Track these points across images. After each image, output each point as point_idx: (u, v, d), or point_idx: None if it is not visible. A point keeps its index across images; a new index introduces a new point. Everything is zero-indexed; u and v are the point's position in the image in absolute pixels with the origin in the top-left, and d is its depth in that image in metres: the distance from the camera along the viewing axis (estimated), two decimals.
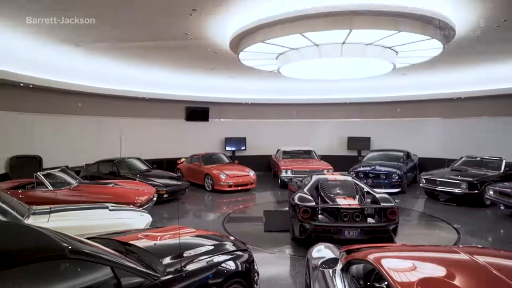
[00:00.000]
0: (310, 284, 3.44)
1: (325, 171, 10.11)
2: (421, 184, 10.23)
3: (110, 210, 5.56)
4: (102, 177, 9.84)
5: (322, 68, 8.70)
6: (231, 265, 3.38)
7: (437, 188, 9.71)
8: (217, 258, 3.38)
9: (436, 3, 5.75)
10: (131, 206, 6.41)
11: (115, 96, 12.81)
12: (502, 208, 8.07)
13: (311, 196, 6.23)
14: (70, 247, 2.35)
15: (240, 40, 7.28)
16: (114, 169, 10.08)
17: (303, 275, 4.45)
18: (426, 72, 10.95)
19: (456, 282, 2.10)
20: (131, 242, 3.47)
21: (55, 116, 11.63)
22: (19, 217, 4.58)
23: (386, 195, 6.22)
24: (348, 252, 3.11)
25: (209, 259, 3.32)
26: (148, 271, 2.74)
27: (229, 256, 3.52)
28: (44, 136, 11.28)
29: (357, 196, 6.28)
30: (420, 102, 14.27)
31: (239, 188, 11.25)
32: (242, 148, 16.16)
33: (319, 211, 5.94)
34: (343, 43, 6.86)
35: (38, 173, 7.12)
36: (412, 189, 11.54)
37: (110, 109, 13.29)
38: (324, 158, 13.48)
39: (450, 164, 10.85)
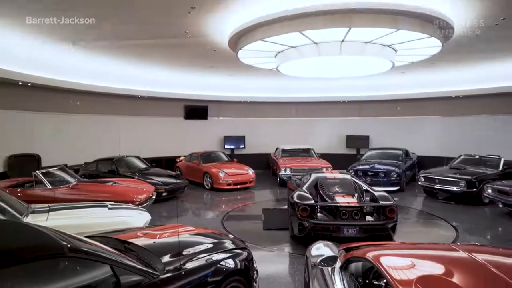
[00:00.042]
0: (309, 282, 3.45)
1: (324, 169, 10.11)
2: (419, 182, 10.25)
3: (109, 208, 5.55)
4: (101, 175, 9.84)
5: (321, 66, 8.70)
6: (230, 263, 3.39)
7: (435, 186, 9.73)
8: (216, 256, 3.38)
9: (435, 1, 5.75)
10: (130, 204, 6.41)
11: (114, 94, 12.79)
12: (500, 206, 8.09)
13: (310, 194, 6.24)
14: (69, 246, 2.35)
15: (239, 38, 7.27)
16: (113, 167, 10.08)
17: (302, 273, 4.46)
18: (425, 70, 10.96)
19: (455, 279, 2.11)
20: (130, 240, 3.47)
21: (54, 115, 11.61)
22: (17, 215, 4.57)
23: (385, 193, 6.24)
24: (347, 250, 3.11)
25: (208, 257, 3.32)
26: (147, 269, 2.74)
27: (228, 254, 3.52)
28: (43, 134, 11.26)
29: (356, 194, 6.29)
30: (419, 100, 14.28)
31: (238, 186, 11.26)
32: (241, 146, 16.16)
33: (318, 209, 5.95)
34: (342, 41, 6.85)
35: (37, 171, 7.10)
36: (410, 187, 11.56)
37: (109, 108, 13.27)
38: (323, 156, 13.49)
39: (448, 162, 10.86)
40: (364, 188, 6.72)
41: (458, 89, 12.89)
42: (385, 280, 2.65)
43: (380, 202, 5.89)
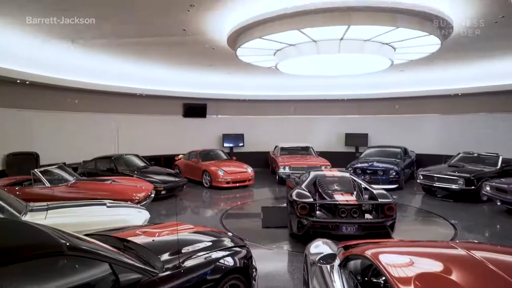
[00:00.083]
0: (308, 280, 3.46)
1: (323, 168, 10.13)
2: (418, 180, 10.27)
3: (108, 206, 5.55)
4: (99, 173, 9.83)
5: (320, 64, 8.69)
6: (229, 261, 3.38)
7: (434, 184, 9.75)
8: (215, 254, 3.38)
9: None
10: (129, 202, 6.41)
11: (113, 92, 12.76)
12: (498, 204, 8.12)
13: (309, 192, 6.24)
14: (68, 244, 2.35)
15: (238, 36, 7.25)
16: (112, 165, 10.06)
17: (301, 271, 4.47)
18: (424, 69, 10.96)
19: (453, 277, 2.11)
20: (129, 238, 3.47)
21: (52, 113, 11.58)
22: (16, 214, 4.56)
23: (384, 191, 6.24)
24: (346, 247, 3.11)
25: (207, 255, 3.32)
26: (146, 267, 2.74)
27: (227, 252, 3.52)
28: (42, 132, 11.23)
29: (355, 192, 6.30)
30: (418, 98, 14.29)
31: (237, 184, 11.26)
32: (240, 144, 16.16)
33: (317, 207, 5.95)
34: (341, 39, 6.85)
35: (35, 170, 7.09)
36: (409, 185, 11.58)
37: (108, 106, 13.25)
38: (322, 154, 13.49)
39: (447, 160, 10.89)
40: (362, 186, 6.73)
41: (457, 87, 12.90)
42: (384, 278, 2.66)
43: (379, 200, 5.90)
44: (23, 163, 9.76)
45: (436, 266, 2.33)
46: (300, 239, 6.03)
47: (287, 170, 11.58)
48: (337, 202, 5.83)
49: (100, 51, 8.97)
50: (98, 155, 10.74)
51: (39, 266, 2.27)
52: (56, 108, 11.66)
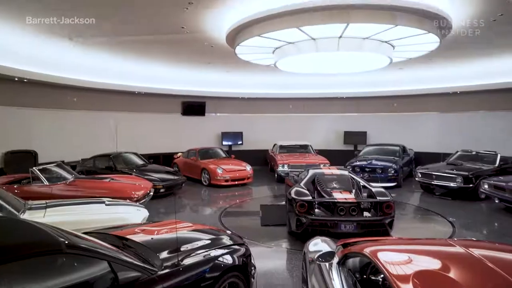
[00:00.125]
0: (307, 278, 3.46)
1: (321, 166, 10.14)
2: (416, 178, 10.29)
3: (106, 204, 5.54)
4: (98, 172, 9.81)
5: (319, 62, 8.68)
6: (228, 259, 3.39)
7: (432, 182, 9.77)
8: (214, 252, 3.38)
9: None
10: (128, 200, 6.41)
11: (111, 90, 12.73)
12: (496, 201, 8.14)
13: (308, 190, 6.24)
14: (66, 242, 2.34)
15: (237, 34, 7.24)
16: (111, 164, 10.05)
17: (300, 268, 4.48)
18: (422, 67, 10.97)
19: (452, 274, 2.12)
20: (128, 236, 3.46)
21: (51, 111, 11.55)
22: (14, 212, 4.56)
23: (382, 189, 6.25)
24: (345, 245, 3.12)
25: (206, 253, 3.32)
26: (145, 265, 2.74)
27: (226, 250, 3.53)
28: (40, 131, 11.21)
29: (354, 190, 6.31)
30: (417, 96, 14.30)
31: (236, 182, 11.26)
32: (239, 142, 16.15)
33: (316, 205, 5.96)
34: (340, 37, 6.84)
35: (34, 168, 7.08)
36: (408, 183, 11.60)
37: (106, 104, 13.22)
38: (321, 152, 13.50)
39: (445, 158, 10.91)
40: (361, 184, 6.74)
41: (455, 85, 12.91)
42: (382, 276, 2.66)
43: (378, 198, 5.90)
44: (22, 161, 9.75)
45: (434, 264, 2.34)
46: (299, 237, 6.04)
47: (286, 168, 11.58)
48: (335, 200, 5.84)
49: (98, 49, 8.94)
50: (97, 153, 10.73)
51: (37, 264, 2.26)
52: (55, 106, 11.64)
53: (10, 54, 8.81)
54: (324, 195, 6.18)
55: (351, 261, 2.99)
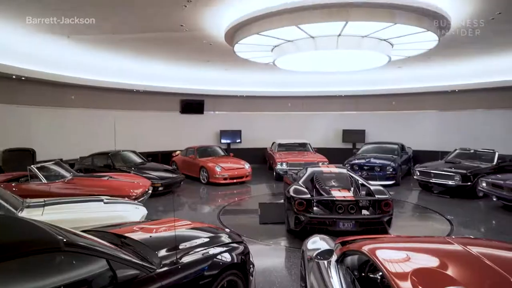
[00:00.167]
0: (305, 276, 3.47)
1: (320, 164, 10.14)
2: (415, 176, 10.31)
3: (105, 203, 5.53)
4: (96, 170, 9.79)
5: (318, 60, 8.68)
6: (226, 257, 3.39)
7: (431, 180, 9.79)
8: (212, 250, 3.38)
9: None
10: (126, 199, 6.40)
11: (110, 88, 12.72)
12: (494, 199, 8.17)
13: (306, 188, 6.24)
14: (65, 240, 2.34)
15: (235, 32, 7.22)
16: (109, 162, 10.04)
17: (298, 266, 4.48)
18: (421, 65, 10.97)
19: (450, 272, 2.12)
20: (126, 234, 3.46)
21: (49, 109, 11.52)
22: (12, 210, 4.54)
23: (381, 187, 6.26)
24: (343, 243, 3.12)
25: (204, 251, 3.32)
26: (144, 263, 2.74)
27: (224, 248, 3.53)
28: (38, 128, 11.18)
29: (352, 188, 6.32)
30: (416, 95, 14.33)
31: (234, 180, 11.26)
32: (237, 140, 16.15)
33: (314, 203, 5.96)
34: (339, 35, 6.83)
35: (32, 166, 7.06)
36: (406, 181, 11.63)
37: (105, 102, 13.19)
38: (319, 150, 13.51)
39: (444, 157, 10.93)
40: (360, 182, 6.75)
41: (454, 83, 12.93)
42: (380, 273, 2.67)
43: (376, 196, 5.91)
44: (20, 159, 9.70)
45: (432, 262, 2.34)
46: (298, 235, 6.05)
47: (284, 166, 11.59)
48: (334, 198, 5.85)
49: (97, 47, 8.91)
50: (95, 151, 10.71)
51: (36, 262, 2.26)
52: (53, 104, 11.60)
53: (8, 52, 8.77)
54: (323, 193, 6.18)
55: (349, 259, 2.99)
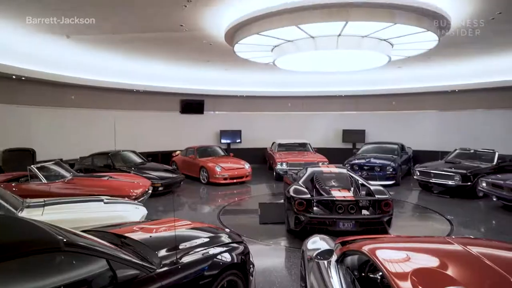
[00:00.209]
0: (305, 276, 3.47)
1: (320, 164, 10.13)
2: (415, 176, 10.31)
3: (105, 203, 5.53)
4: (96, 170, 9.79)
5: (318, 60, 8.68)
6: (226, 257, 3.39)
7: (431, 180, 9.79)
8: (212, 250, 3.38)
9: None
10: (126, 199, 6.40)
11: (110, 88, 12.72)
12: (494, 199, 8.17)
13: (306, 188, 6.24)
14: (65, 240, 2.34)
15: (235, 32, 7.22)
16: (109, 162, 10.04)
17: (298, 266, 4.48)
18: (421, 65, 10.97)
19: (450, 272, 2.12)
20: (126, 234, 3.46)
21: (49, 109, 11.52)
22: (12, 210, 4.54)
23: (381, 187, 6.26)
24: (343, 243, 3.12)
25: (204, 251, 3.32)
26: (144, 263, 2.74)
27: (224, 248, 3.53)
28: (38, 129, 11.18)
29: (352, 188, 6.32)
30: (415, 95, 14.33)
31: (235, 180, 11.25)
32: (237, 140, 16.15)
33: (314, 203, 5.96)
34: (339, 35, 6.83)
35: (32, 166, 7.06)
36: (406, 181, 11.63)
37: (105, 102, 13.19)
38: (319, 150, 13.51)
39: (444, 157, 10.93)
40: (360, 182, 6.75)
41: (454, 83, 12.93)
42: (380, 273, 2.67)
43: (376, 196, 5.91)
44: (20, 159, 9.70)
45: (432, 262, 2.34)
46: (298, 235, 6.05)
47: (284, 166, 11.59)
48: (334, 198, 5.85)
49: (97, 48, 8.91)
50: (95, 151, 10.70)
51: (36, 262, 2.26)
52: (53, 104, 11.60)
53: (8, 52, 8.77)
54: (323, 193, 6.18)
55: (349, 259, 2.99)
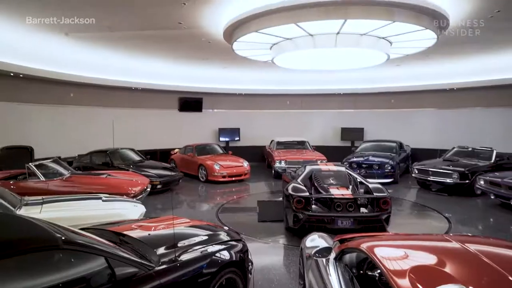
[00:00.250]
0: (304, 273, 3.47)
1: (318, 162, 10.14)
2: (413, 174, 10.34)
3: (103, 200, 5.53)
4: (95, 168, 9.78)
5: (317, 58, 8.67)
6: (225, 255, 3.39)
7: (429, 178, 9.82)
8: (211, 248, 3.38)
9: None
10: (125, 196, 6.39)
11: (108, 86, 12.68)
12: (492, 197, 8.19)
13: (305, 186, 6.26)
14: (63, 238, 2.33)
15: (234, 30, 7.21)
16: (107, 159, 10.02)
17: (297, 264, 4.49)
18: (420, 63, 10.98)
19: (448, 269, 2.13)
20: (125, 232, 3.45)
21: (47, 107, 11.49)
22: (11, 208, 4.53)
23: (379, 185, 6.27)
24: (342, 241, 3.13)
25: (203, 249, 3.32)
26: (142, 261, 2.73)
27: (223, 246, 3.53)
28: (36, 126, 11.14)
29: (350, 186, 6.32)
30: (414, 93, 14.34)
31: (233, 178, 11.26)
32: (236, 138, 16.14)
33: (313, 201, 5.97)
34: (338, 33, 6.83)
35: (30, 163, 7.04)
36: (404, 179, 11.65)
37: (103, 100, 13.16)
38: (318, 148, 13.52)
39: (442, 155, 10.95)
40: (358, 180, 6.76)
41: (452, 81, 12.94)
42: (379, 271, 2.68)
43: (374, 194, 5.92)
44: (17, 157, 9.66)
45: (430, 259, 2.35)
46: (296, 233, 6.06)
47: (283, 164, 11.60)
48: (332, 196, 5.86)
49: (96, 46, 8.88)
50: (93, 149, 10.68)
51: (34, 260, 2.25)
52: (51, 102, 11.57)
53: (8, 50, 8.73)
54: (321, 191, 6.19)
55: (348, 257, 3.00)
